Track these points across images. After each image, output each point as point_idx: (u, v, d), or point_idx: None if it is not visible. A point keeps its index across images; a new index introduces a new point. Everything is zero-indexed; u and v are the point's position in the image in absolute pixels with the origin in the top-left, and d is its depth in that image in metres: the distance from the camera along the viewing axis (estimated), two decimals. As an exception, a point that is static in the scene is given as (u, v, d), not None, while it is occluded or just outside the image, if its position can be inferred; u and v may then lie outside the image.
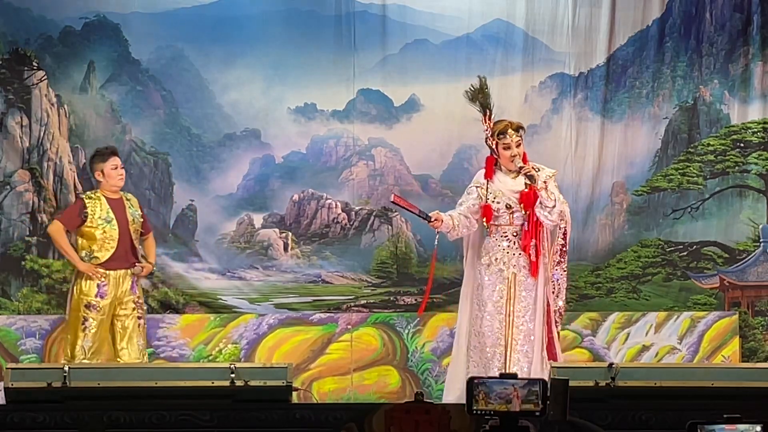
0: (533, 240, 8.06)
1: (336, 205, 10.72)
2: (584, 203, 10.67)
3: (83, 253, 8.68)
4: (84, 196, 8.82)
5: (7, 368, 7.41)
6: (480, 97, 8.29)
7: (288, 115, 10.68)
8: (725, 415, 4.43)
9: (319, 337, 10.32)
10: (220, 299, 10.49)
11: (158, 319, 10.32)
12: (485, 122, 8.20)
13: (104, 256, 8.66)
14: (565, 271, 8.22)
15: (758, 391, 7.20)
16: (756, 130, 10.79)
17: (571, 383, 4.99)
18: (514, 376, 4.81)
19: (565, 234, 8.19)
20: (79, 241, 8.72)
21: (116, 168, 8.73)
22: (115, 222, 8.67)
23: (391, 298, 10.57)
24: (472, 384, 4.75)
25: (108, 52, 10.62)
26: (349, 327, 10.35)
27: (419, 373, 10.33)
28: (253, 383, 7.20)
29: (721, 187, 10.79)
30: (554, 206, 8.05)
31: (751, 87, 10.80)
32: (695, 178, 10.74)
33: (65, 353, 8.68)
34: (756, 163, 10.77)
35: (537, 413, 4.74)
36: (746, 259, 10.70)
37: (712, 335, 10.44)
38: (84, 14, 10.59)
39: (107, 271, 8.64)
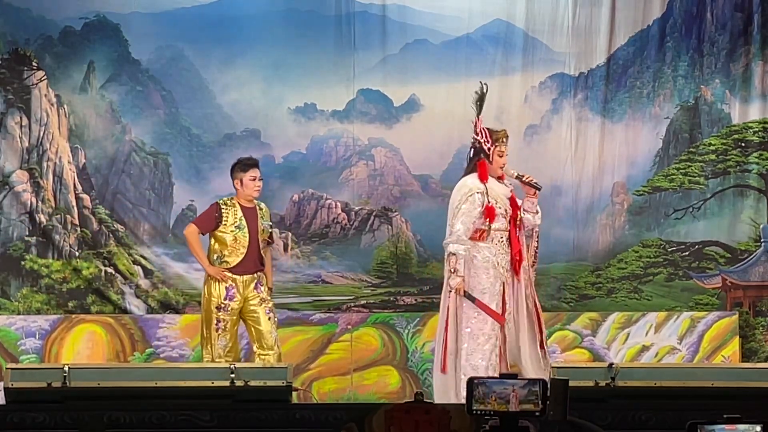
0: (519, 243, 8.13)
1: (336, 205, 10.72)
2: (585, 203, 10.67)
3: (214, 257, 8.78)
4: (220, 201, 8.90)
5: (7, 368, 7.43)
6: (478, 104, 8.35)
7: (288, 115, 10.68)
8: (725, 415, 4.43)
9: (319, 337, 10.32)
10: (220, 299, 10.47)
11: (158, 319, 10.32)
12: (478, 126, 8.20)
13: (234, 261, 8.74)
14: (535, 273, 8.35)
15: (758, 391, 7.21)
16: (756, 129, 10.79)
17: (571, 383, 4.99)
18: (514, 376, 4.81)
19: (538, 236, 8.25)
20: (212, 244, 8.82)
21: (254, 179, 8.82)
22: (246, 230, 8.78)
23: (391, 298, 10.56)
24: (472, 384, 4.75)
25: (108, 52, 10.62)
26: (349, 327, 10.35)
27: (419, 373, 10.32)
28: (253, 383, 7.20)
29: (723, 186, 10.79)
30: (538, 211, 8.22)
31: (751, 86, 10.80)
32: (697, 178, 10.74)
33: (207, 353, 8.72)
34: (757, 163, 10.77)
35: (537, 413, 4.73)
36: (748, 258, 10.70)
37: (712, 335, 10.43)
38: (84, 14, 10.59)
39: (234, 276, 8.73)
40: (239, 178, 8.84)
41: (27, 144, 10.51)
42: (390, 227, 10.69)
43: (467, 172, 8.30)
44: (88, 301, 10.40)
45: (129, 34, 10.59)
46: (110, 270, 10.48)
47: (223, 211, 8.79)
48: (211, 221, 8.82)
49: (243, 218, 8.79)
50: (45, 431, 7.02)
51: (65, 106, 10.55)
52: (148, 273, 10.52)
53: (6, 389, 7.18)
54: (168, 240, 10.57)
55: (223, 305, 8.70)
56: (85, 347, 10.21)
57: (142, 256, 10.53)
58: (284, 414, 7.11)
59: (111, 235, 10.52)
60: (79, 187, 10.52)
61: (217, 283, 8.71)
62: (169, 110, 10.69)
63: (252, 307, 8.76)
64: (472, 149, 8.32)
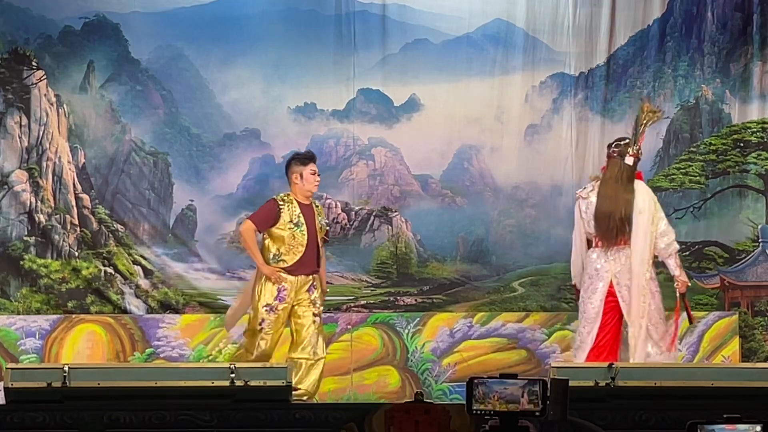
0: None
1: (336, 205, 10.71)
2: (585, 203, 10.65)
3: (270, 256, 8.42)
4: (277, 198, 8.55)
5: (7, 368, 7.42)
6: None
7: (288, 114, 10.68)
8: (725, 415, 4.42)
9: (319, 337, 10.30)
10: (220, 299, 10.47)
11: (158, 319, 10.32)
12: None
13: (291, 260, 8.43)
14: None
15: (758, 391, 7.20)
16: (755, 129, 10.79)
17: (571, 383, 4.99)
18: (514, 376, 4.80)
19: None
20: (266, 242, 8.49)
21: (314, 174, 8.53)
22: (304, 227, 8.45)
23: (391, 299, 10.56)
24: (472, 384, 4.74)
25: (108, 52, 10.62)
26: (349, 327, 10.35)
27: (419, 373, 10.32)
28: (253, 383, 7.20)
29: (722, 186, 10.79)
30: None
31: (750, 86, 10.80)
32: (697, 178, 10.73)
33: (247, 351, 8.46)
34: (755, 163, 10.77)
35: (537, 413, 4.73)
36: (746, 259, 10.69)
37: (712, 335, 10.43)
38: (84, 14, 10.59)
39: (288, 276, 8.41)
40: (298, 172, 8.49)
41: (26, 143, 10.51)
42: (390, 227, 10.69)
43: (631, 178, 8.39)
44: (87, 301, 10.39)
45: (129, 33, 10.59)
46: (110, 270, 10.47)
47: (281, 207, 8.43)
48: (269, 218, 8.43)
49: (301, 215, 8.46)
50: (45, 431, 7.01)
51: (65, 106, 10.55)
52: (147, 273, 10.52)
53: (6, 389, 7.17)
54: (168, 240, 10.56)
55: (271, 306, 8.40)
56: (85, 347, 10.21)
57: (141, 256, 10.53)
58: (284, 414, 7.11)
59: (111, 235, 10.52)
60: (79, 187, 10.52)
61: (268, 283, 8.39)
62: (168, 110, 10.69)
63: (300, 311, 8.48)
64: (633, 159, 8.40)
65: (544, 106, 10.77)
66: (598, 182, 8.47)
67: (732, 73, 10.83)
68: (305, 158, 8.58)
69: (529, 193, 10.71)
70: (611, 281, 8.31)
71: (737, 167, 10.77)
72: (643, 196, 8.36)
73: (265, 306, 8.38)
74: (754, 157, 10.77)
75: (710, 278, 10.67)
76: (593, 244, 8.41)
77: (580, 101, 10.74)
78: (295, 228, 8.44)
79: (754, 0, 10.79)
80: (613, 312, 8.31)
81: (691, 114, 10.84)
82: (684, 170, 10.73)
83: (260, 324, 8.38)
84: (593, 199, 8.39)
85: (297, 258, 8.42)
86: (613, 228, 8.29)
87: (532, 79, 10.74)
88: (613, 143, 8.59)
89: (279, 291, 8.40)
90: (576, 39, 10.72)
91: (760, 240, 10.69)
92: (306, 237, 8.44)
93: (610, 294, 8.30)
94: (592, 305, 8.33)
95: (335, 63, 10.62)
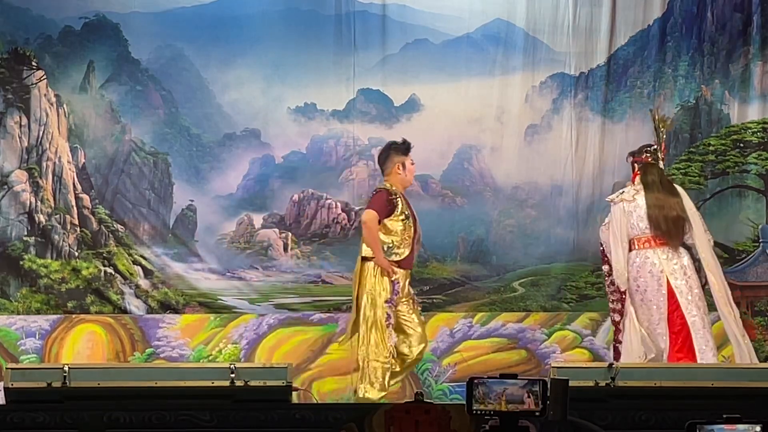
0: None
1: (336, 205, 10.72)
2: (585, 203, 10.66)
3: (384, 248, 8.22)
4: (384, 187, 8.31)
5: (7, 368, 7.41)
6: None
7: (288, 114, 10.68)
8: (725, 416, 4.42)
9: (319, 337, 10.32)
10: (220, 299, 10.48)
11: (158, 319, 10.32)
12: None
13: (403, 253, 8.27)
14: None
15: (758, 391, 7.20)
16: (755, 130, 10.79)
17: (571, 383, 4.99)
18: (514, 376, 4.80)
19: None
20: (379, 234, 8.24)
21: (413, 163, 8.42)
22: (411, 219, 8.29)
23: (391, 298, 10.55)
24: (472, 384, 4.74)
25: (108, 52, 10.62)
26: (349, 327, 10.33)
27: (419, 373, 10.31)
28: (253, 383, 7.19)
29: (721, 187, 10.79)
30: None
31: (750, 87, 10.80)
32: (697, 178, 10.73)
33: (372, 354, 8.20)
34: (755, 163, 10.77)
35: (537, 413, 4.73)
36: (746, 259, 10.69)
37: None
38: (84, 14, 10.59)
39: (400, 269, 8.24)
40: (400, 161, 8.32)
41: (26, 143, 10.51)
42: (390, 227, 10.67)
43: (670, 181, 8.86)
44: (87, 301, 10.39)
45: (129, 33, 10.59)
46: (110, 270, 10.47)
47: (394, 197, 8.20)
48: (386, 206, 8.17)
49: (407, 206, 8.31)
50: (45, 431, 7.01)
51: (65, 106, 10.55)
52: (147, 273, 10.52)
53: (6, 389, 7.17)
54: (168, 240, 10.56)
55: (392, 301, 8.21)
56: (85, 347, 10.21)
57: (141, 256, 10.53)
58: (284, 414, 7.10)
59: (111, 235, 10.52)
60: (79, 187, 10.52)
61: (384, 277, 8.18)
62: (168, 110, 10.69)
63: (403, 307, 8.34)
64: (661, 161, 8.75)
65: (544, 106, 10.77)
66: (635, 186, 8.70)
67: (731, 74, 10.83)
68: (406, 148, 8.39)
69: (529, 193, 10.71)
70: (668, 281, 8.53)
71: (737, 167, 10.77)
72: (687, 197, 8.76)
73: (387, 301, 8.21)
74: (754, 158, 10.77)
75: (709, 278, 10.66)
76: (639, 246, 8.59)
77: (580, 101, 10.74)
78: (406, 220, 8.29)
79: (754, 0, 10.79)
80: (678, 311, 8.53)
81: (690, 114, 10.84)
82: (683, 170, 10.73)
83: (387, 320, 8.20)
84: (641, 202, 8.60)
85: (407, 251, 8.27)
86: (674, 228, 8.58)
87: (532, 79, 10.74)
88: (643, 149, 8.82)
89: (394, 284, 8.22)
90: (576, 39, 10.72)
91: (760, 240, 10.69)
92: (413, 229, 8.30)
93: (670, 294, 8.53)
94: (657, 306, 8.53)
95: (335, 63, 10.62)
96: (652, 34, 10.80)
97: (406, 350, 8.37)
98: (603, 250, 8.77)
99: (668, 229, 8.57)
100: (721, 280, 8.66)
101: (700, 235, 8.63)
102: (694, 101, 10.83)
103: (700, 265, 8.64)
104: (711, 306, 8.70)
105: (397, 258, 8.25)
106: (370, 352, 8.24)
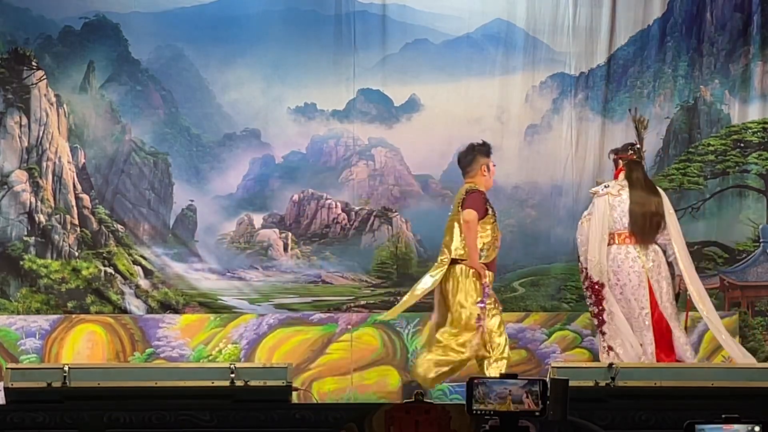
0: None
1: (336, 205, 10.72)
2: (585, 203, 10.62)
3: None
4: (475, 188, 8.35)
5: (7, 368, 7.42)
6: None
7: (288, 114, 10.68)
8: (723, 416, 4.43)
9: (319, 337, 10.31)
10: (220, 299, 10.48)
11: (158, 319, 10.32)
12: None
13: (491, 256, 8.37)
14: None
15: (758, 391, 7.20)
16: (756, 130, 10.79)
17: (571, 383, 4.99)
18: (514, 376, 4.80)
19: None
20: None
21: (495, 165, 8.51)
22: (497, 222, 8.41)
23: (391, 299, 10.55)
24: (472, 384, 4.75)
25: (108, 52, 10.62)
26: (349, 327, 10.35)
27: (419, 373, 10.31)
28: (253, 383, 7.20)
29: (722, 187, 10.78)
30: None
31: (751, 87, 10.80)
32: (696, 178, 10.73)
33: (455, 352, 8.34)
34: (756, 163, 10.76)
35: (537, 413, 4.73)
36: (746, 259, 10.69)
37: (712, 335, 10.38)
38: (84, 14, 10.59)
39: (489, 273, 8.32)
40: (484, 163, 8.38)
41: (26, 143, 10.51)
42: (390, 227, 10.69)
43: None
44: (87, 301, 10.39)
45: (129, 33, 10.59)
46: (110, 270, 10.47)
47: (486, 198, 8.25)
48: (483, 209, 8.23)
49: (493, 209, 8.39)
50: (45, 431, 7.02)
51: (65, 106, 10.55)
52: (148, 273, 10.52)
53: (6, 389, 7.18)
54: (168, 240, 10.56)
55: (482, 301, 8.27)
56: (85, 347, 10.21)
57: (141, 256, 10.53)
58: (284, 414, 7.11)
59: (111, 235, 10.52)
60: (79, 187, 10.52)
61: (473, 280, 8.27)
62: (168, 110, 10.69)
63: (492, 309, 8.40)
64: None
65: (544, 106, 10.77)
66: (620, 182, 8.78)
67: (731, 74, 10.83)
68: (488, 150, 8.46)
69: (529, 193, 10.71)
70: (648, 277, 8.63)
71: (737, 167, 10.77)
72: (667, 199, 8.90)
73: (479, 302, 8.27)
74: (755, 157, 10.77)
75: (709, 278, 10.65)
76: (619, 241, 8.68)
77: (580, 101, 10.74)
78: (495, 222, 8.37)
79: (753, 0, 10.79)
80: (658, 308, 8.63)
81: (690, 114, 10.84)
82: (683, 170, 10.73)
83: (478, 321, 8.26)
84: (625, 197, 8.71)
85: (495, 254, 8.35)
86: (649, 227, 8.67)
87: (532, 79, 10.74)
88: (628, 147, 8.94)
89: (484, 287, 8.27)
90: (576, 39, 10.72)
91: (761, 240, 10.69)
92: (498, 231, 8.36)
93: (651, 291, 8.64)
94: (638, 301, 8.61)
95: (335, 63, 10.62)
96: (652, 34, 10.80)
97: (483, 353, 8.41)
98: (579, 241, 8.78)
99: (644, 227, 8.67)
100: (697, 279, 8.79)
101: (676, 235, 8.72)
102: (694, 101, 10.83)
103: (673, 264, 8.77)
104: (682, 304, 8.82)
105: (486, 260, 8.32)
106: (460, 350, 8.33)
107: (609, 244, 8.65)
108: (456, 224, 8.46)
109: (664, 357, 8.49)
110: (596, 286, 8.61)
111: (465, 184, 8.63)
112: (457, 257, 8.42)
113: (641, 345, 8.51)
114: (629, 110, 9.55)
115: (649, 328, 8.56)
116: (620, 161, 8.89)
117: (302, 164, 10.68)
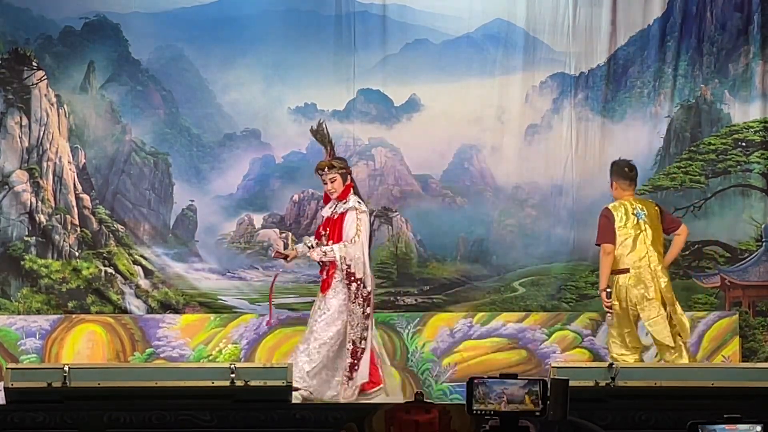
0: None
1: (336, 205, 10.70)
2: (585, 203, 10.66)
3: None
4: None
5: (7, 368, 7.42)
6: (318, 136, 8.92)
7: (288, 115, 10.68)
8: (725, 415, 4.42)
9: (319, 337, 10.29)
10: (220, 299, 10.48)
11: (158, 319, 10.32)
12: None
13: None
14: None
15: (758, 391, 7.20)
16: (757, 129, 10.78)
17: (571, 383, 4.98)
18: (514, 376, 4.80)
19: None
20: None
21: None
22: None
23: (391, 299, 10.55)
24: (472, 384, 4.74)
25: (108, 52, 10.62)
26: (349, 327, 10.32)
27: (419, 373, 10.32)
28: (253, 383, 7.20)
29: (723, 186, 10.78)
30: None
31: (752, 86, 10.79)
32: (697, 177, 10.73)
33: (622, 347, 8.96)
34: (758, 163, 10.76)
35: (537, 413, 4.73)
36: (748, 258, 10.69)
37: (712, 335, 10.43)
38: (84, 14, 10.59)
39: None
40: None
41: (27, 144, 10.51)
42: (390, 227, 10.69)
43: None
44: (88, 301, 10.40)
45: (129, 34, 10.59)
46: (110, 270, 10.47)
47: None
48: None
49: None
50: (45, 431, 7.02)
51: (65, 106, 10.55)
52: (148, 273, 10.52)
53: (6, 389, 7.17)
54: (168, 240, 10.57)
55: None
56: (85, 347, 10.21)
57: (142, 256, 10.53)
58: (284, 414, 7.11)
59: (111, 235, 10.52)
60: (79, 187, 10.52)
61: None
62: (169, 110, 10.69)
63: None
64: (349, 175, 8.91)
65: (544, 106, 10.77)
66: None
67: (731, 73, 10.83)
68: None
69: (529, 193, 10.71)
70: None
71: (739, 167, 10.77)
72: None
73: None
74: (757, 157, 10.77)
75: (710, 278, 10.66)
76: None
77: (580, 101, 10.74)
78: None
79: (753, 0, 10.79)
80: None
81: (690, 113, 10.84)
82: (684, 169, 10.73)
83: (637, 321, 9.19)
84: None
85: None
86: None
87: (532, 79, 10.74)
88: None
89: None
90: (576, 39, 10.72)
91: (763, 239, 10.69)
92: None
93: None
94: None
95: (335, 63, 10.62)
96: (652, 34, 10.80)
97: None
98: None
99: None
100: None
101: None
102: (694, 101, 10.83)
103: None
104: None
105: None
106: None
107: None
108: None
109: None
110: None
111: (637, 197, 9.40)
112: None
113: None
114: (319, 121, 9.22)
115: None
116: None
117: (302, 164, 10.67)
